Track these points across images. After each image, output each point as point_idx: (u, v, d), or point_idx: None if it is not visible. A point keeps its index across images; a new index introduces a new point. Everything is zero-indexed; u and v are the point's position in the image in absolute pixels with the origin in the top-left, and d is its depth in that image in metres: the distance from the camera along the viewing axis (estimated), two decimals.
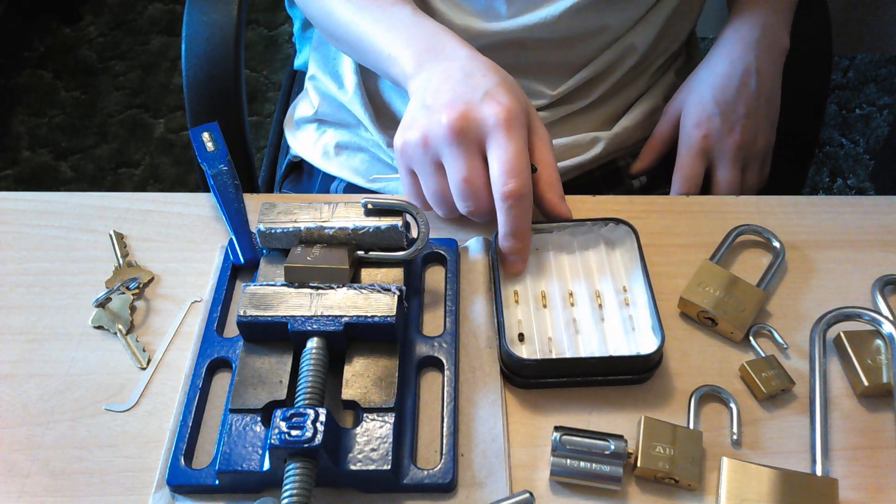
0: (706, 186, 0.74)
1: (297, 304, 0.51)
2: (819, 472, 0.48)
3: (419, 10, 0.65)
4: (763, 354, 0.54)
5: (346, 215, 0.55)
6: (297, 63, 0.97)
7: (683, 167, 0.72)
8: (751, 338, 0.55)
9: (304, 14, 0.76)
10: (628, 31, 0.74)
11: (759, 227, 0.61)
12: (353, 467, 0.46)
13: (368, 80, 0.78)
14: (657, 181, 0.79)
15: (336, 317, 0.50)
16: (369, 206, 0.54)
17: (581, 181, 0.77)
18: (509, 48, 0.71)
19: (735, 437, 0.50)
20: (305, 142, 0.83)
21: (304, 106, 0.84)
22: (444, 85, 0.57)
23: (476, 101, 0.55)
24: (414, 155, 0.57)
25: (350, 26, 0.67)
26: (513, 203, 0.53)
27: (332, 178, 0.81)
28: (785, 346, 0.55)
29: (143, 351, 0.55)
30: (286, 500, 0.43)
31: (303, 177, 0.87)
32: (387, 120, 0.77)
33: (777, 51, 0.74)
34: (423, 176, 0.57)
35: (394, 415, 0.49)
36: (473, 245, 0.60)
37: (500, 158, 0.53)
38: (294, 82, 1.04)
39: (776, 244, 0.60)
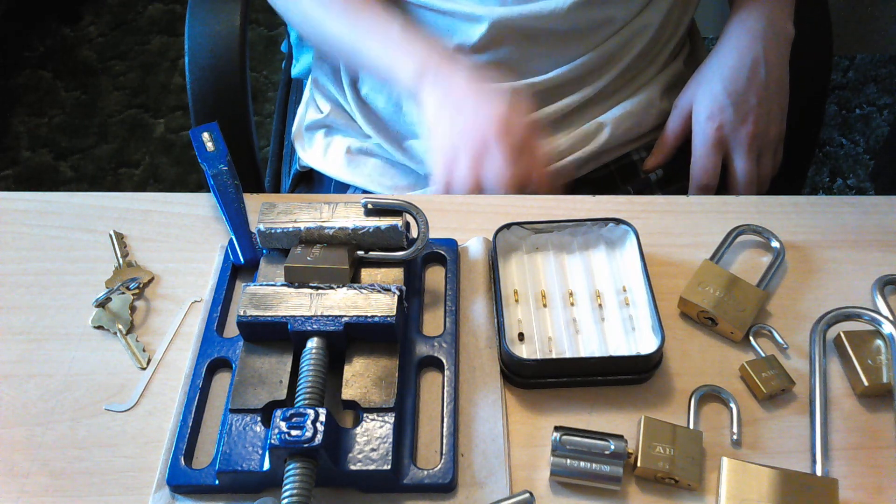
0: (722, 178, 0.74)
1: (297, 304, 0.51)
2: (819, 472, 0.48)
3: (408, 23, 0.71)
4: (763, 354, 0.54)
5: (346, 215, 0.55)
6: (296, 71, 0.97)
7: (700, 160, 0.73)
8: (751, 338, 0.55)
9: (288, 22, 0.79)
10: (633, 18, 0.74)
11: (759, 227, 0.61)
12: (353, 467, 0.46)
13: (361, 87, 0.79)
14: (674, 175, 0.79)
15: (336, 317, 0.50)
16: (369, 205, 0.54)
17: (597, 174, 0.77)
18: (520, 41, 0.71)
19: (735, 437, 0.50)
20: (317, 152, 0.83)
21: (311, 112, 0.84)
22: (463, 93, 0.67)
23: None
24: (455, 155, 0.66)
25: (343, 40, 0.73)
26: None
27: (346, 185, 0.81)
28: (785, 346, 0.55)
29: (143, 351, 0.55)
30: (286, 500, 0.43)
31: (313, 186, 0.87)
32: (382, 126, 0.78)
33: (782, 39, 0.75)
34: (463, 170, 0.66)
35: (394, 415, 0.49)
36: (473, 245, 0.60)
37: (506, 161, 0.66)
38: (291, 90, 1.03)
39: (776, 244, 0.60)
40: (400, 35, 0.70)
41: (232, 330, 0.56)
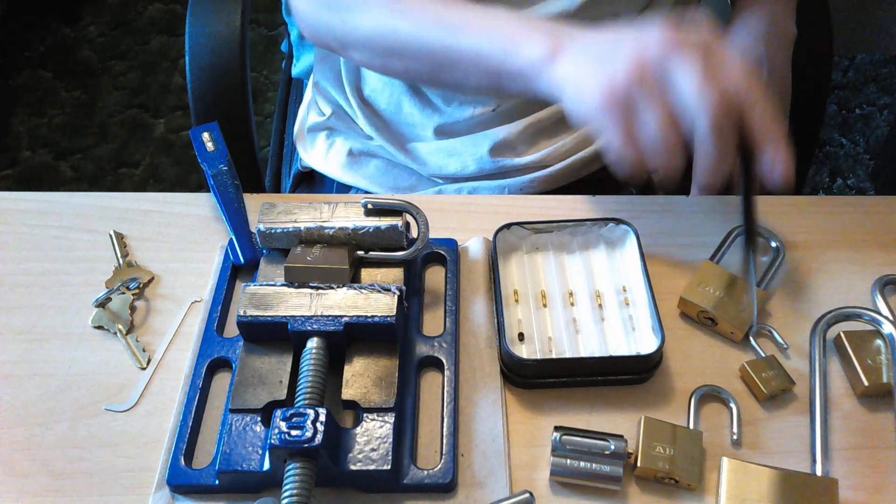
0: None
1: (297, 304, 0.51)
2: (819, 472, 0.48)
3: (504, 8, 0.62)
4: (763, 355, 0.54)
5: (346, 215, 0.55)
6: (296, 71, 0.97)
7: (703, 159, 0.73)
8: (751, 338, 0.55)
9: (339, 36, 0.69)
10: (637, 16, 0.74)
11: (759, 228, 0.61)
12: (353, 467, 0.46)
13: (363, 88, 0.78)
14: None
15: (336, 317, 0.50)
16: (369, 205, 0.54)
17: (598, 175, 0.77)
18: None
19: (735, 437, 0.50)
20: (319, 154, 0.83)
21: (313, 114, 0.84)
22: (612, 39, 0.54)
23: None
24: (630, 86, 0.51)
25: (429, 41, 0.63)
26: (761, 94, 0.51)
27: (348, 186, 0.81)
28: (785, 346, 0.55)
29: (143, 351, 0.55)
30: (286, 500, 0.43)
31: (315, 186, 0.87)
32: (384, 128, 0.78)
33: (785, 39, 0.75)
34: (647, 104, 0.51)
35: (394, 415, 0.49)
36: (473, 245, 0.60)
37: (730, 62, 0.51)
38: (291, 90, 1.03)
39: (776, 244, 0.60)
40: (508, 17, 0.60)
41: (232, 330, 0.56)
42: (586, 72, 0.54)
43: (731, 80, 0.51)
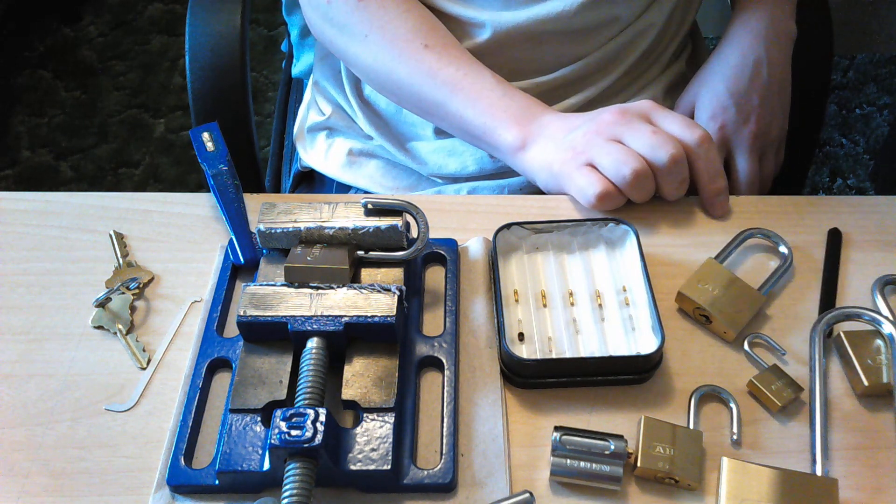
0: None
1: (297, 304, 0.51)
2: (819, 472, 0.48)
3: (495, 74, 0.68)
4: (765, 364, 0.53)
5: (346, 215, 0.55)
6: (296, 71, 0.97)
7: None
8: (747, 348, 0.55)
9: (341, 55, 0.74)
10: (638, 18, 0.74)
11: (769, 232, 0.60)
12: (353, 467, 0.46)
13: (363, 88, 0.79)
14: None
15: (336, 317, 0.50)
16: (369, 205, 0.54)
17: None
18: (525, 42, 0.72)
19: (735, 437, 0.50)
20: (319, 154, 0.83)
21: (312, 114, 0.85)
22: (574, 124, 0.64)
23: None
24: (588, 143, 0.61)
25: (422, 95, 0.69)
26: (708, 146, 0.61)
27: (348, 186, 0.81)
28: (783, 352, 0.55)
29: (143, 351, 0.55)
30: (286, 500, 0.43)
31: (315, 186, 0.87)
32: (384, 127, 0.78)
33: (785, 39, 0.75)
34: (603, 152, 0.61)
35: (394, 415, 0.49)
36: (473, 245, 0.60)
37: (672, 118, 0.62)
38: (291, 90, 1.03)
39: (784, 250, 0.59)
40: (492, 90, 0.67)
41: (232, 330, 0.56)
42: (552, 151, 0.64)
43: (676, 132, 0.61)
